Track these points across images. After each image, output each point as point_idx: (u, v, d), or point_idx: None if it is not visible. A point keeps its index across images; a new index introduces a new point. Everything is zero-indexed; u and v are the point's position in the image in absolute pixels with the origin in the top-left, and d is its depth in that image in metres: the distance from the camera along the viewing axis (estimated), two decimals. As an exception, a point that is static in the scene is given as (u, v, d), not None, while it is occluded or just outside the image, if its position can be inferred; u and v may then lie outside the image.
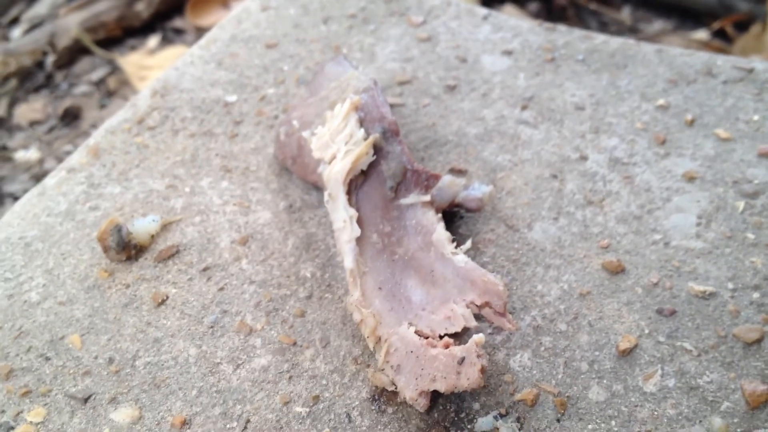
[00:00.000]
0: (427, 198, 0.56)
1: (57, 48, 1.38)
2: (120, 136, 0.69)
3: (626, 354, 0.50)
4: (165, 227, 0.60)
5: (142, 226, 0.59)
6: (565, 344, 0.51)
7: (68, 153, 1.21)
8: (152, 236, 0.59)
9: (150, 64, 1.38)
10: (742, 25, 1.39)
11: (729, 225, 0.58)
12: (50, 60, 1.37)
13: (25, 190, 1.14)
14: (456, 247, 0.54)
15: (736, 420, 0.46)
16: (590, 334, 0.51)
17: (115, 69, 1.38)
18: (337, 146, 0.56)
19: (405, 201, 0.56)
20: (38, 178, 1.16)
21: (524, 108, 0.68)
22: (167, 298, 0.55)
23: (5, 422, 0.48)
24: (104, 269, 0.58)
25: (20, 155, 1.23)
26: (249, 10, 0.83)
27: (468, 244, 0.55)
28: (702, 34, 1.47)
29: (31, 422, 0.48)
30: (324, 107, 0.61)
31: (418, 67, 0.73)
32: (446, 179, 0.56)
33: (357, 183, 0.56)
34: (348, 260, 0.52)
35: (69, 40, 1.39)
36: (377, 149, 0.56)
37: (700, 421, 0.46)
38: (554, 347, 0.51)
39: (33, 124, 1.29)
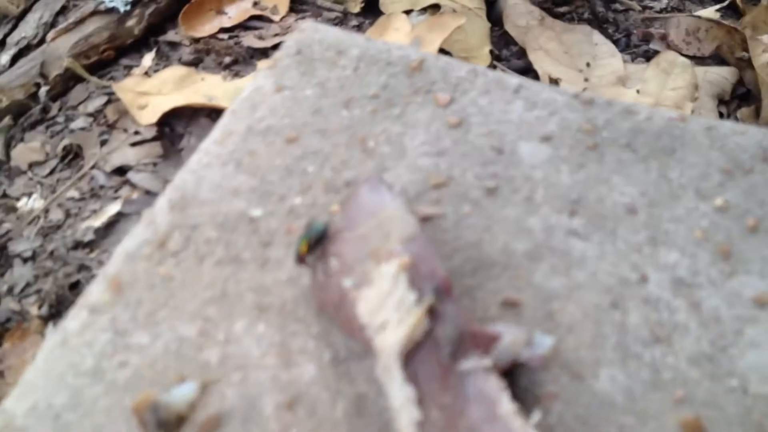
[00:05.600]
0: (489, 363, 0.52)
1: (49, 78, 1.31)
2: (142, 264, 0.64)
3: None
4: (203, 389, 0.56)
5: (179, 396, 0.55)
6: None
7: (73, 199, 1.16)
8: (191, 405, 0.55)
9: (147, 89, 1.31)
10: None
11: (809, 364, 0.54)
12: (44, 90, 1.31)
13: (34, 251, 1.09)
14: (525, 420, 0.50)
15: None
16: None
17: (111, 96, 1.31)
18: (388, 313, 0.52)
19: (464, 367, 0.52)
20: (45, 234, 1.11)
21: (573, 214, 0.64)
22: (216, 487, 0.52)
23: None
24: (144, 449, 0.54)
25: (23, 204, 1.18)
26: (263, 91, 0.76)
27: (537, 416, 0.51)
28: (710, 11, 1.41)
29: None
30: (365, 250, 0.56)
31: (452, 163, 0.68)
32: (507, 340, 0.52)
33: (411, 352, 0.52)
34: (409, 447, 0.49)
35: (60, 68, 1.32)
36: (430, 311, 0.52)
37: None
38: None
39: (32, 165, 1.23)
